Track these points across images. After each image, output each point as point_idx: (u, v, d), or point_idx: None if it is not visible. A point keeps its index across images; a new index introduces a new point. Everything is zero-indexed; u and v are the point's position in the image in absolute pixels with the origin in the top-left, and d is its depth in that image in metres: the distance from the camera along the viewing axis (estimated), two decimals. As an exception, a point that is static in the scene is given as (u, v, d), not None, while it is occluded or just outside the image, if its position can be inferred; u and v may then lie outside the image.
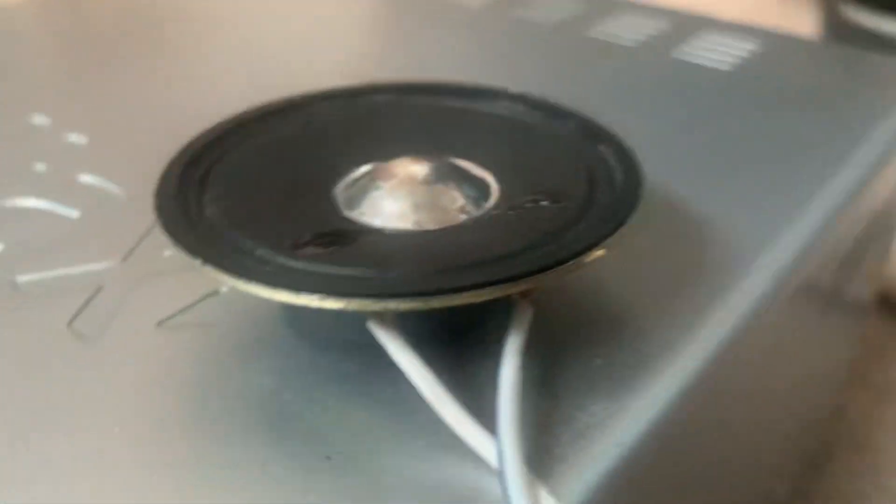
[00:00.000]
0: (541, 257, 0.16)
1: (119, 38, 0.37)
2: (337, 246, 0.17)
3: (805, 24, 0.83)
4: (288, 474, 0.16)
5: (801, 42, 0.36)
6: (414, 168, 0.19)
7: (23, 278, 0.21)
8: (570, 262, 0.15)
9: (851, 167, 0.27)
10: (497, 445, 0.15)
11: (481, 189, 0.19)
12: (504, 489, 0.14)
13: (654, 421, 0.17)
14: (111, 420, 0.17)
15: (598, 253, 0.16)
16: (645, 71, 0.32)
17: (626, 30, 0.36)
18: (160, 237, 0.23)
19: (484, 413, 0.16)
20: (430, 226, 0.18)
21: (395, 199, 0.18)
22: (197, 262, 0.16)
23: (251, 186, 0.19)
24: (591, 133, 0.20)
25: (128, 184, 0.25)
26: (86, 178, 0.26)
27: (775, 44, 0.35)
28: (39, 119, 0.29)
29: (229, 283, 0.16)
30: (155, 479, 0.16)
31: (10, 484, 0.16)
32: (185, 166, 0.19)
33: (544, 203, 0.18)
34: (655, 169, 0.25)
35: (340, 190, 0.19)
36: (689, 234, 0.22)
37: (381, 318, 0.16)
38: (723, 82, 0.32)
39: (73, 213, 0.24)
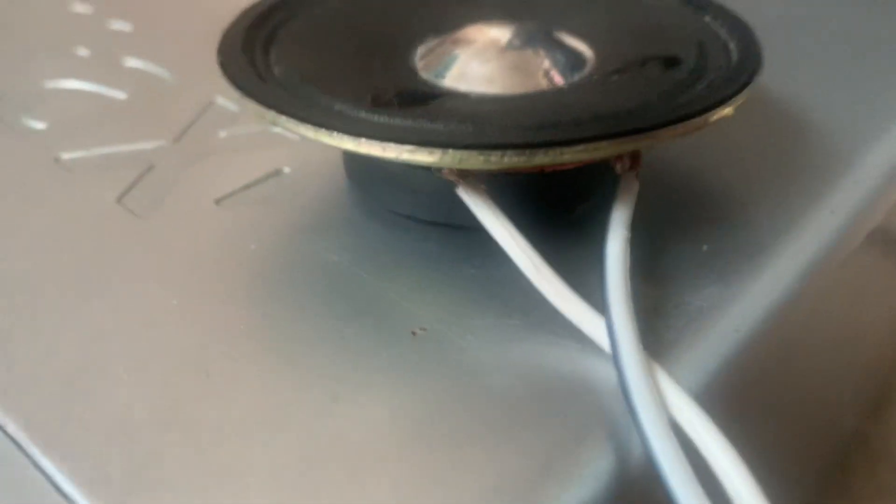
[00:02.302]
0: (661, 113, 0.14)
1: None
2: (422, 105, 0.15)
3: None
4: (369, 346, 0.14)
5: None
6: (499, 32, 0.17)
7: (67, 155, 0.20)
8: (698, 118, 0.14)
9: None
10: (608, 324, 0.13)
11: (577, 56, 0.17)
12: (619, 371, 0.13)
13: (769, 308, 0.15)
14: (168, 292, 0.15)
15: (726, 111, 0.14)
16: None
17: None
18: (214, 118, 0.21)
19: (585, 295, 0.14)
20: (521, 91, 0.16)
21: (480, 61, 0.16)
22: (271, 115, 0.14)
23: (321, 48, 0.17)
24: (696, 4, 0.18)
25: (176, 68, 0.23)
26: (132, 63, 0.24)
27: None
28: (81, 7, 0.28)
29: (310, 137, 0.14)
30: (221, 350, 0.14)
31: (62, 349, 0.14)
32: (249, 26, 0.17)
33: (653, 67, 0.16)
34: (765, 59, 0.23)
35: (420, 54, 0.17)
36: (796, 125, 0.20)
37: (471, 185, 0.14)
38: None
39: (120, 95, 0.22)
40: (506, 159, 0.13)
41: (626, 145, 0.13)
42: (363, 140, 0.13)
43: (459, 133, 0.13)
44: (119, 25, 0.26)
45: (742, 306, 0.15)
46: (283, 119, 0.14)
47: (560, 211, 0.16)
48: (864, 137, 0.20)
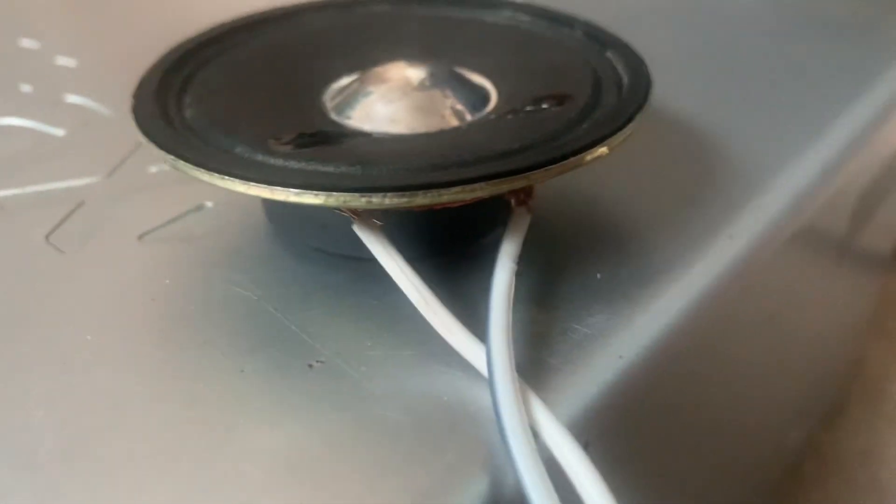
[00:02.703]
0: (539, 154, 0.15)
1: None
2: (321, 146, 0.16)
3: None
4: (267, 380, 0.15)
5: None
6: (406, 72, 0.18)
7: (1, 193, 0.20)
8: (571, 159, 0.14)
9: (870, 101, 0.25)
10: (486, 350, 0.14)
11: (479, 95, 0.18)
12: (493, 394, 0.13)
13: (656, 336, 0.16)
14: (84, 328, 0.16)
15: (601, 150, 0.15)
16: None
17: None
18: (146, 154, 0.22)
19: (476, 324, 0.15)
20: (423, 130, 0.17)
21: (385, 102, 0.17)
22: (170, 159, 0.15)
23: (235, 91, 0.18)
24: (599, 39, 0.19)
25: (116, 104, 0.24)
26: (73, 99, 0.25)
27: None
28: (28, 43, 0.28)
29: (204, 180, 0.15)
30: (129, 385, 0.15)
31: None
32: (166, 70, 0.18)
33: (545, 106, 0.17)
34: (670, 88, 0.24)
35: (329, 95, 0.18)
36: (702, 152, 0.21)
37: (366, 221, 0.15)
38: (742, 8, 0.30)
39: (59, 132, 0.23)
40: (387, 201, 0.14)
41: (502, 186, 0.14)
42: (252, 184, 0.14)
43: (345, 176, 0.14)
44: (64, 61, 0.27)
45: (628, 333, 0.16)
46: (180, 163, 0.15)
47: (459, 244, 0.17)
48: (771, 164, 0.21)
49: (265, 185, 0.14)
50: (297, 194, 0.14)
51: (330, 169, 0.15)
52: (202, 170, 0.14)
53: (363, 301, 0.16)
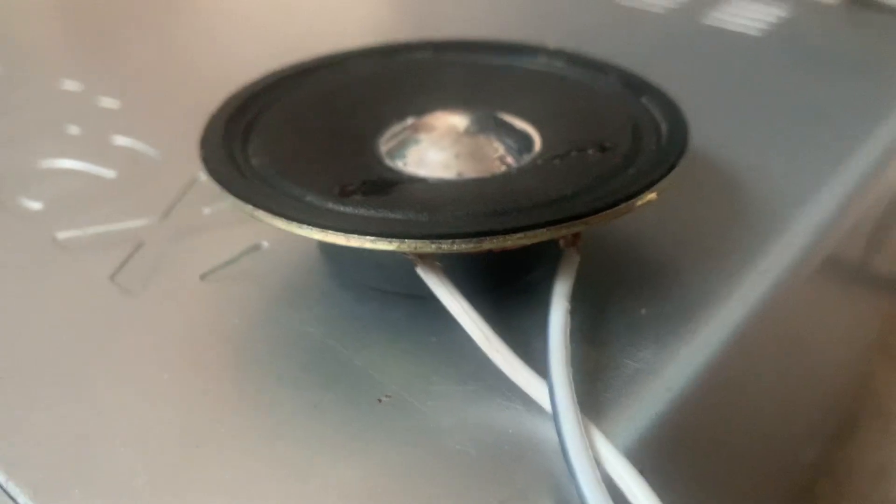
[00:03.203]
0: (593, 200, 0.16)
1: (144, 4, 0.37)
2: (384, 193, 0.17)
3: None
4: (340, 415, 0.16)
5: (829, 7, 0.36)
6: (455, 120, 0.19)
7: (63, 234, 0.21)
8: (623, 205, 0.15)
9: (884, 133, 0.26)
10: (549, 388, 0.15)
11: (524, 140, 0.19)
12: (559, 430, 0.14)
13: (702, 366, 0.17)
14: (160, 367, 0.17)
15: (650, 196, 0.16)
16: (675, 36, 0.32)
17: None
18: (198, 195, 0.23)
19: (531, 359, 0.16)
20: (473, 175, 0.18)
21: (437, 149, 0.18)
22: (248, 209, 0.16)
23: (295, 138, 0.19)
24: (633, 86, 0.20)
25: (162, 145, 0.25)
26: (120, 140, 0.26)
27: (802, 9, 0.35)
28: (71, 85, 0.29)
29: (282, 228, 0.16)
30: (205, 422, 0.16)
31: (65, 422, 0.16)
32: (228, 118, 0.19)
33: (591, 151, 0.18)
34: (697, 128, 0.25)
35: (382, 142, 0.19)
36: (730, 190, 0.22)
37: (429, 263, 0.16)
38: (753, 47, 0.31)
39: (110, 174, 0.24)
40: (455, 246, 0.15)
41: (561, 231, 0.15)
42: (329, 231, 0.15)
43: (415, 223, 0.15)
44: (107, 102, 0.28)
45: (673, 367, 0.17)
46: (259, 213, 0.16)
47: (510, 282, 0.18)
48: (794, 199, 0.22)
49: (342, 233, 0.15)
50: (372, 241, 0.15)
51: (399, 216, 0.16)
52: (282, 219, 0.15)
53: (422, 338, 0.17)
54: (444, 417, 0.15)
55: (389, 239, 0.15)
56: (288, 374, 0.17)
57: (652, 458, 0.15)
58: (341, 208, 0.16)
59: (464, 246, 0.15)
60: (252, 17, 0.36)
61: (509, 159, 0.18)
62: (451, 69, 0.22)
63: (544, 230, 0.15)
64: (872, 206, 0.26)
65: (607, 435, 0.15)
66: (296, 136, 0.19)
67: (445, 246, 0.15)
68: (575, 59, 0.22)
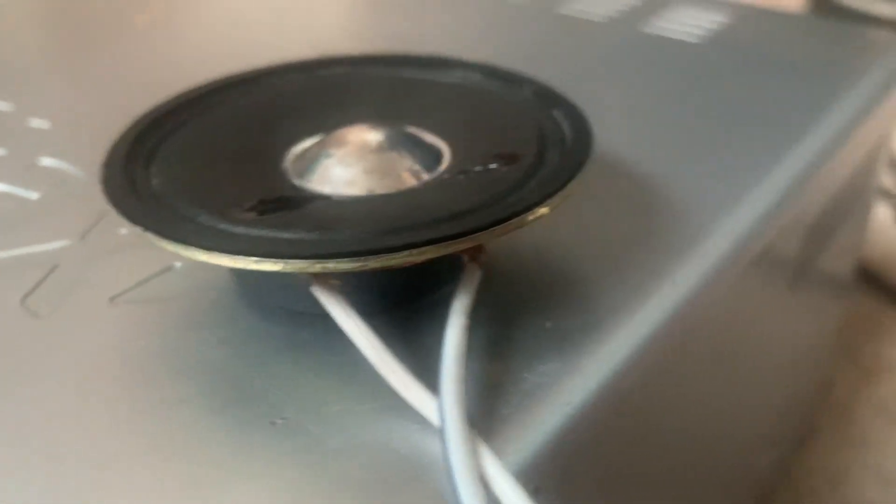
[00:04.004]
0: (484, 216, 0.15)
1: (82, 23, 0.37)
2: (281, 212, 0.17)
3: (793, 7, 0.83)
4: (233, 439, 0.15)
5: (772, 14, 0.36)
6: (364, 135, 0.19)
7: (-23, 259, 0.21)
8: (513, 220, 0.15)
9: (816, 137, 0.27)
10: (438, 403, 0.15)
11: (433, 155, 0.19)
12: (444, 446, 0.14)
13: (604, 382, 0.17)
14: (63, 391, 0.17)
15: (542, 211, 0.16)
16: (612, 46, 0.32)
17: (598, 6, 0.36)
18: (117, 216, 0.23)
19: (433, 377, 0.16)
20: (381, 192, 0.18)
21: (344, 165, 0.18)
22: (138, 230, 0.16)
23: (200, 158, 0.19)
24: (546, 98, 0.20)
25: (89, 166, 0.25)
26: (47, 161, 0.26)
27: (746, 16, 0.35)
28: (2, 105, 0.29)
29: (169, 249, 0.15)
30: (112, 445, 0.15)
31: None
32: (133, 139, 0.19)
33: (494, 166, 0.18)
34: (618, 139, 0.25)
35: (290, 159, 0.19)
36: (648, 201, 0.22)
37: (324, 282, 0.16)
38: (690, 55, 0.31)
39: (33, 195, 0.24)
40: (340, 266, 0.15)
41: (448, 248, 0.15)
42: (214, 253, 0.15)
43: (302, 242, 0.15)
44: (37, 123, 0.28)
45: (575, 381, 0.16)
46: (149, 235, 0.16)
47: (415, 297, 0.18)
48: (714, 207, 0.22)
49: (227, 254, 0.15)
50: (256, 262, 0.15)
51: (288, 235, 0.15)
52: (167, 240, 0.15)
53: (325, 357, 0.17)
54: (336, 439, 0.15)
55: (274, 260, 0.15)
56: (186, 397, 0.16)
57: (549, 476, 0.15)
58: (233, 228, 0.16)
59: (349, 265, 0.15)
60: (195, 33, 0.35)
61: (417, 174, 0.18)
62: (369, 84, 0.22)
63: (431, 248, 0.15)
64: (804, 211, 0.26)
65: (501, 453, 0.15)
66: (201, 156, 0.19)
67: (331, 265, 0.15)
68: (491, 73, 0.22)
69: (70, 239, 0.22)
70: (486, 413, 0.16)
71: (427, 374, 0.16)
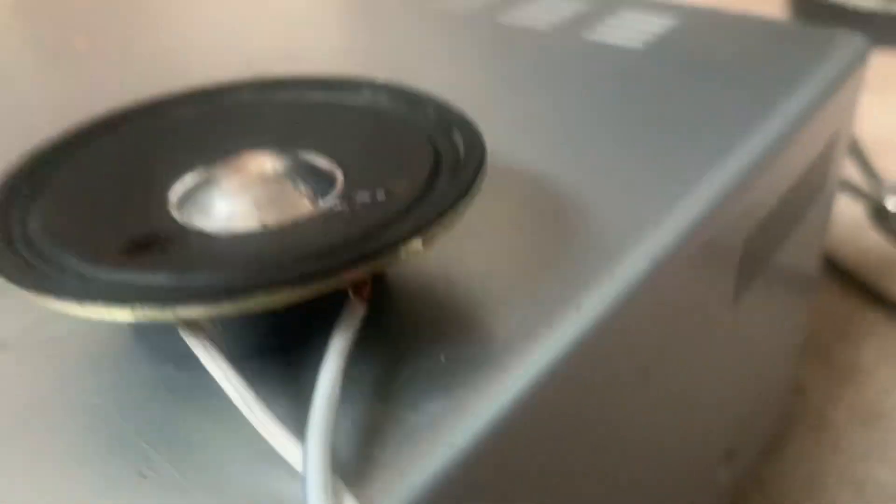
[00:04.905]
0: (350, 252, 0.15)
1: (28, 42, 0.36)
2: (152, 252, 0.16)
3: (773, 3, 0.82)
4: (96, 494, 0.15)
5: (722, 17, 0.35)
6: (251, 164, 0.18)
7: None
8: (381, 259, 0.15)
9: (756, 139, 0.26)
10: (303, 450, 0.14)
11: (323, 185, 0.18)
12: (304, 495, 0.13)
13: (494, 419, 0.16)
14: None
15: (415, 246, 0.15)
16: (551, 54, 0.31)
17: (542, 14, 0.35)
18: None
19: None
20: (258, 225, 0.17)
21: (224, 198, 0.18)
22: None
23: (82, 195, 0.18)
24: (446, 119, 0.20)
25: None
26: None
27: (694, 20, 0.35)
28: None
29: (30, 297, 0.15)
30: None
31: None
32: (14, 180, 0.18)
33: (380, 195, 0.17)
34: (538, 154, 0.24)
35: (174, 191, 0.18)
36: (559, 219, 0.21)
37: (190, 326, 0.15)
38: (631, 61, 0.31)
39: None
40: (193, 311, 0.14)
41: (310, 289, 0.14)
42: (66, 300, 0.14)
43: (156, 289, 0.14)
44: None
45: (460, 420, 0.16)
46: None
47: (296, 337, 0.17)
48: (625, 229, 0.21)
49: (76, 302, 0.14)
50: (107, 311, 0.14)
51: (145, 280, 0.15)
52: (22, 286, 0.15)
53: (203, 401, 0.17)
54: (204, 491, 0.15)
55: (123, 307, 0.14)
56: (60, 448, 0.16)
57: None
58: (96, 273, 0.15)
59: (203, 311, 0.14)
60: (131, 55, 0.35)
61: (301, 207, 0.18)
62: (271, 109, 0.21)
63: (288, 289, 0.14)
64: (743, 210, 0.25)
65: (370, 501, 0.14)
66: (85, 194, 0.18)
67: (184, 312, 0.14)
68: (398, 94, 0.21)
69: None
70: (361, 458, 0.15)
71: (301, 416, 0.15)
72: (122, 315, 0.14)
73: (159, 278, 0.15)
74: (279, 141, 0.20)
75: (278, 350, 0.17)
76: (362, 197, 0.17)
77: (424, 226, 0.15)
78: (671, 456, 0.27)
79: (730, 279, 0.26)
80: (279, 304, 0.14)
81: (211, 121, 0.21)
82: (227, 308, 0.14)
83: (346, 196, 0.17)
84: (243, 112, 0.21)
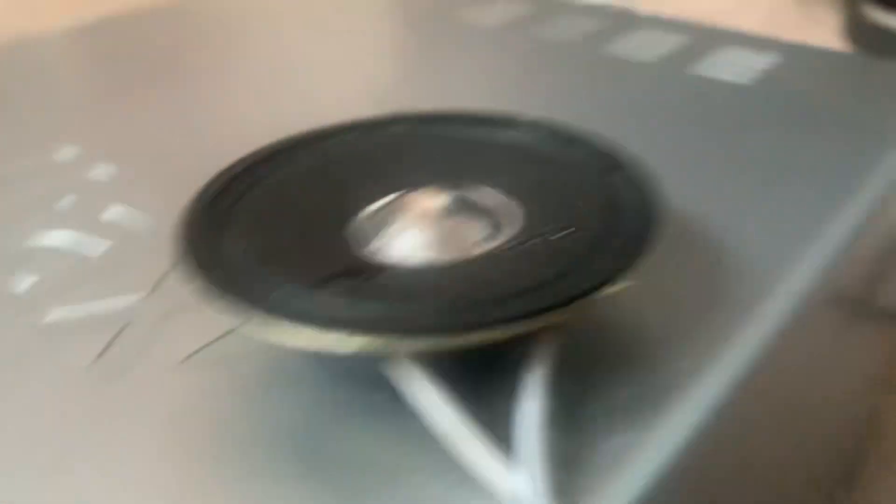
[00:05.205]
0: (564, 290, 0.16)
1: (146, 68, 0.37)
2: (351, 283, 0.17)
3: (827, 27, 0.82)
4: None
5: (822, 53, 0.36)
6: (429, 201, 0.19)
7: (48, 317, 0.22)
8: (595, 295, 0.15)
9: (876, 180, 0.26)
10: (522, 480, 0.15)
11: (498, 220, 0.19)
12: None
13: (681, 447, 0.17)
14: (139, 455, 0.17)
15: (621, 286, 0.16)
16: (662, 88, 0.32)
17: (644, 46, 0.36)
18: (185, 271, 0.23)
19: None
20: (447, 259, 0.18)
21: (410, 233, 0.18)
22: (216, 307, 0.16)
23: (271, 223, 0.19)
24: (607, 160, 0.20)
25: (156, 215, 0.25)
26: (114, 210, 0.26)
27: (795, 55, 0.35)
28: (68, 150, 0.30)
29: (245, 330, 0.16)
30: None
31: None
32: (206, 205, 0.19)
33: (562, 234, 0.18)
34: (671, 190, 0.25)
35: (357, 225, 0.19)
36: (709, 258, 0.22)
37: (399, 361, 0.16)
38: (742, 97, 0.31)
39: (101, 247, 0.24)
40: (422, 345, 0.15)
41: (518, 329, 0.15)
42: (301, 329, 0.15)
43: (381, 322, 0.15)
44: (103, 169, 0.28)
45: (652, 449, 0.17)
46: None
47: (485, 367, 0.18)
48: (771, 265, 0.22)
49: (315, 331, 0.15)
50: (338, 341, 0.15)
51: (365, 313, 0.16)
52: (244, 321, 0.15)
53: (399, 422, 0.17)
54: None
55: (364, 336, 0.15)
56: (260, 466, 0.17)
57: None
58: (313, 304, 0.16)
59: (433, 343, 0.15)
60: (255, 80, 0.36)
61: (483, 241, 0.19)
62: (430, 144, 0.22)
63: (502, 328, 0.15)
64: (862, 260, 0.26)
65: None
66: (272, 220, 0.19)
67: (420, 344, 0.15)
68: (552, 132, 0.22)
69: (140, 294, 0.22)
70: (564, 485, 0.16)
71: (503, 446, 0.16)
72: (352, 346, 0.15)
73: (380, 312, 0.16)
74: (444, 177, 0.21)
75: (462, 379, 0.18)
76: (552, 233, 0.18)
77: (631, 261, 0.16)
78: (787, 480, 0.28)
79: (848, 310, 0.27)
80: (505, 337, 0.15)
81: (373, 154, 0.22)
82: (454, 342, 0.15)
83: (530, 232, 0.18)
84: (402, 147, 0.22)
